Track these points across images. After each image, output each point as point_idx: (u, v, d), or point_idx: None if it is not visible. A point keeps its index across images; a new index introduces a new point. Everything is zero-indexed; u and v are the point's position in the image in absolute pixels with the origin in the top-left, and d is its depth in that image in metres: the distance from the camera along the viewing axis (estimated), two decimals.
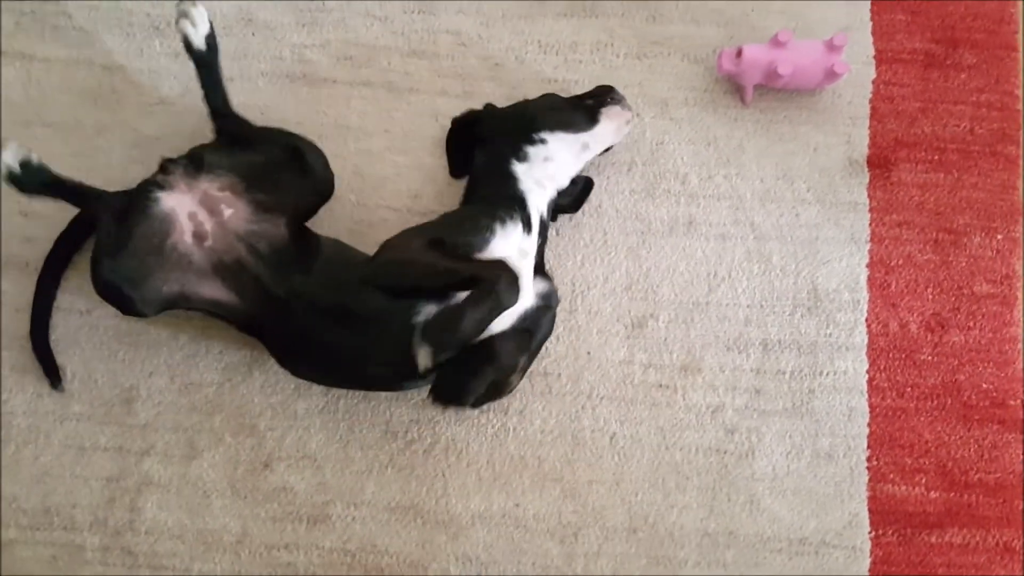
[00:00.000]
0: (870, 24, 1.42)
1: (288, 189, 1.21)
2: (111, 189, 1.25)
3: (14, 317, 1.32)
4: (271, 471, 1.28)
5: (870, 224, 1.35)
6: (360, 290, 1.14)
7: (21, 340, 1.31)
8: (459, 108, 1.37)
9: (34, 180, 1.17)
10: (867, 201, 1.36)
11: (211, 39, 1.25)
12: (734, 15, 1.43)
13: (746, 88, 1.35)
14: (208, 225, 1.17)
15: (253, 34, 1.42)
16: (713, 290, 1.33)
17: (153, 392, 1.30)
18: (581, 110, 1.27)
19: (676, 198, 1.36)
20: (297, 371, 1.26)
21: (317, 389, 1.30)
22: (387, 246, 1.19)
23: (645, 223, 1.35)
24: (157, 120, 1.39)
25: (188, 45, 1.24)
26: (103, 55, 1.41)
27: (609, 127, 1.27)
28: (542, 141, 1.24)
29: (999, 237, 1.34)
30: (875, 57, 1.41)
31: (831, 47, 1.31)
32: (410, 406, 1.30)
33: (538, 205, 1.23)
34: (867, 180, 1.36)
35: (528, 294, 1.16)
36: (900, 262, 1.34)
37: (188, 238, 1.16)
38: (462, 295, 1.07)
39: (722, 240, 1.34)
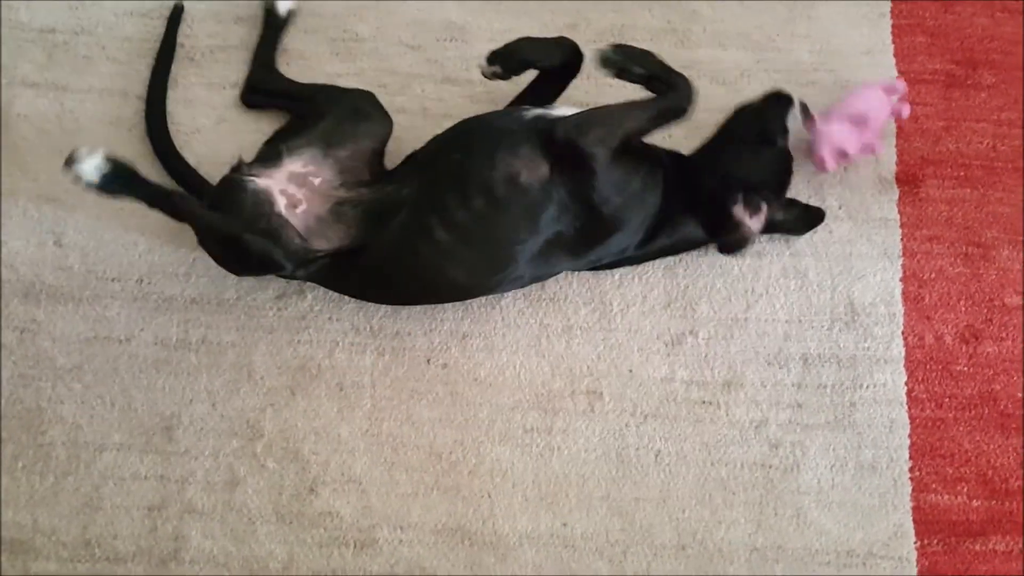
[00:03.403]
0: (892, 47, 1.51)
1: (358, 137, 1.30)
2: (149, 220, 1.31)
3: (49, 347, 1.35)
4: (316, 496, 1.31)
5: (902, 239, 1.42)
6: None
7: (58, 370, 1.34)
8: None
9: (121, 178, 1.22)
10: (898, 217, 1.43)
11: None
12: (760, 40, 1.51)
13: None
14: (300, 194, 1.23)
15: (288, 64, 1.48)
16: (751, 306, 1.39)
17: (194, 419, 1.34)
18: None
19: None
20: (394, 293, 1.34)
21: (360, 412, 1.34)
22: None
23: None
24: (193, 149, 1.44)
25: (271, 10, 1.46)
26: (137, 85, 1.47)
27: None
28: None
29: None
30: (898, 79, 1.49)
31: (890, 91, 1.39)
32: (454, 427, 1.34)
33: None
34: (896, 196, 1.44)
35: None
36: (932, 276, 1.41)
37: (282, 209, 1.21)
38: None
39: (758, 257, 1.41)
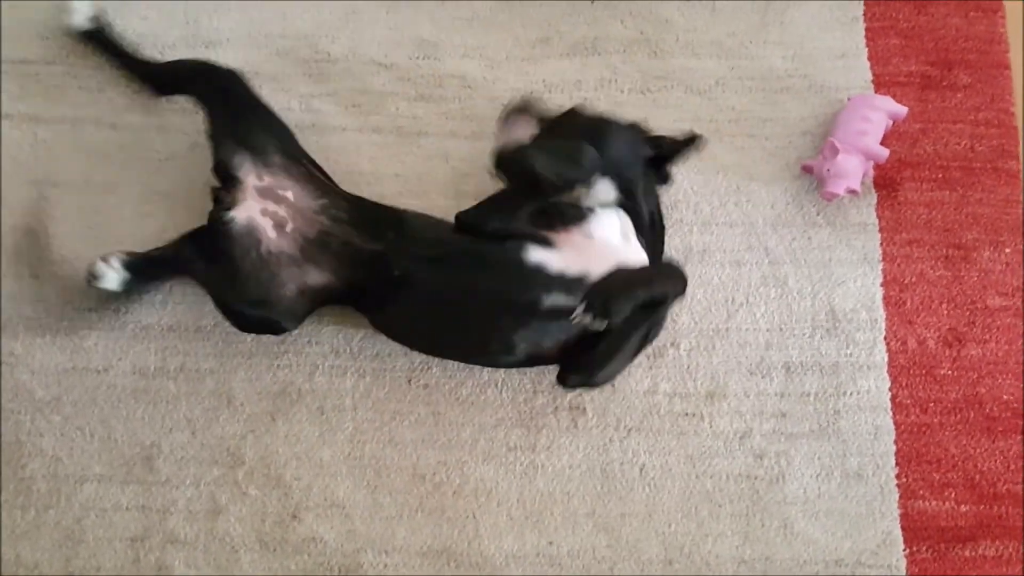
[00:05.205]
0: (866, 50, 1.52)
1: (264, 145, 1.32)
2: (125, 246, 1.32)
3: (27, 380, 1.36)
4: (299, 522, 1.32)
5: (881, 244, 1.43)
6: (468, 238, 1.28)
7: (36, 403, 1.35)
8: (469, 150, 1.46)
9: (142, 273, 1.32)
10: (876, 221, 1.44)
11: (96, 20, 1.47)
12: (733, 47, 1.53)
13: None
14: (281, 210, 1.27)
15: (261, 86, 1.48)
16: (732, 316, 1.40)
17: (174, 448, 1.35)
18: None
19: (689, 227, 1.44)
20: (399, 334, 1.35)
21: (342, 435, 1.35)
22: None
23: None
24: (167, 176, 1.45)
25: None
26: (110, 113, 1.48)
27: None
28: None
29: (1007, 251, 1.43)
30: (873, 82, 1.51)
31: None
32: (437, 448, 1.35)
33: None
34: (875, 201, 1.45)
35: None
36: (913, 279, 1.42)
37: (273, 233, 1.26)
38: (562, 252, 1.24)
39: (737, 266, 1.42)
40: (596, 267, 1.22)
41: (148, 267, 1.33)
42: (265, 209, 1.27)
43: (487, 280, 1.24)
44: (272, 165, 1.30)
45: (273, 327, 1.30)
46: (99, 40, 1.47)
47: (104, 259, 1.28)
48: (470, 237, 1.28)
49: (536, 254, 1.23)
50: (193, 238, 1.32)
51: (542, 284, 1.22)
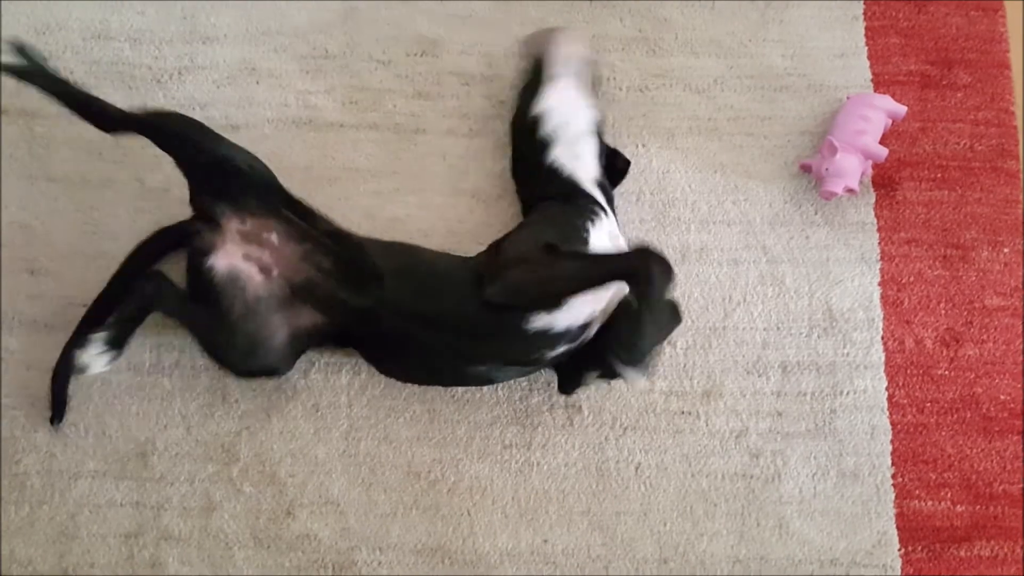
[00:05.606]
0: (865, 49, 1.52)
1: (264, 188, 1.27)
2: (121, 243, 1.34)
3: (24, 375, 1.36)
4: (294, 519, 1.32)
5: (879, 243, 1.43)
6: (467, 299, 1.20)
7: (32, 399, 1.35)
8: (467, 147, 1.46)
9: (123, 340, 1.24)
10: (875, 220, 1.44)
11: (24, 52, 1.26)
12: (732, 46, 1.53)
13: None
14: (265, 255, 1.23)
15: (257, 82, 1.49)
16: (729, 315, 1.40)
17: (169, 444, 1.35)
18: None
19: (687, 225, 1.44)
20: (397, 376, 1.35)
21: (337, 432, 1.35)
22: (499, 262, 1.21)
23: None
24: (162, 172, 1.44)
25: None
26: None
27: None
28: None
29: (1006, 250, 1.43)
30: (872, 80, 1.51)
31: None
32: (432, 445, 1.35)
33: (595, 188, 1.33)
34: (873, 200, 1.45)
35: None
36: (911, 279, 1.41)
37: (259, 276, 1.22)
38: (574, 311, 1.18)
39: (735, 265, 1.42)
40: (602, 297, 1.20)
41: (129, 330, 1.24)
42: (248, 254, 1.23)
43: (488, 345, 1.23)
44: (254, 209, 1.24)
45: (270, 374, 1.28)
46: (31, 75, 1.26)
47: (81, 347, 1.20)
48: (462, 295, 1.21)
49: (540, 320, 1.18)
50: (170, 288, 1.26)
51: (548, 345, 1.21)
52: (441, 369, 1.29)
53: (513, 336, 1.19)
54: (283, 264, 1.23)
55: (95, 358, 1.20)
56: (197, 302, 1.24)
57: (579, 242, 1.22)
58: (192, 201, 1.27)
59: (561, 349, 1.21)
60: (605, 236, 1.26)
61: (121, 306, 1.25)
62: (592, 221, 1.25)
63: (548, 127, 1.33)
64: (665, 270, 1.11)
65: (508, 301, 1.17)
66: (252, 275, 1.22)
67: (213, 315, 1.22)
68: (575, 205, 1.29)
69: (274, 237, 1.24)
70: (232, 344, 1.22)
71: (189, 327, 1.27)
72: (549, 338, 1.20)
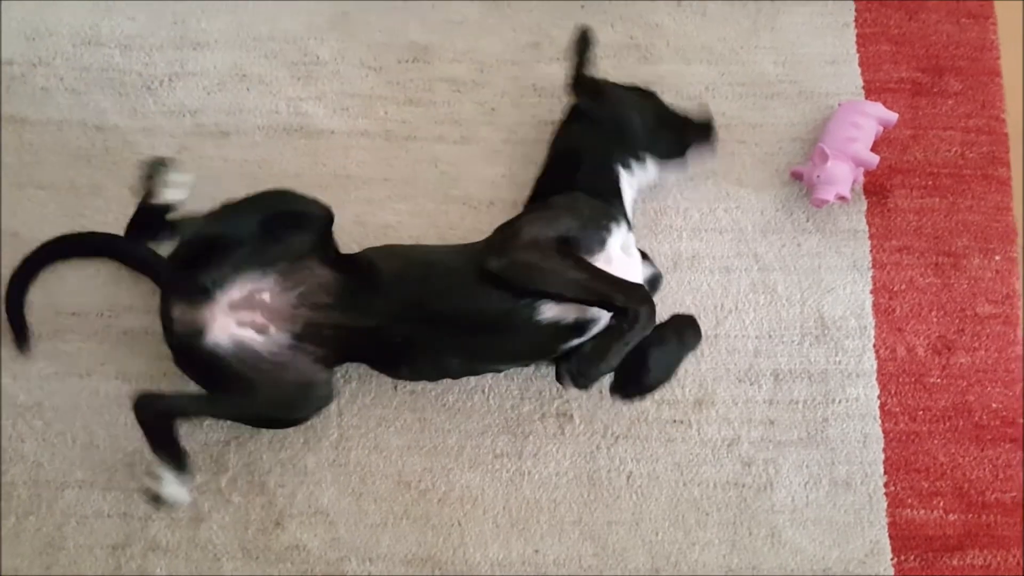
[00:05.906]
0: (857, 56, 1.52)
1: (292, 238, 1.24)
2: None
3: (12, 384, 1.35)
4: (283, 530, 1.31)
5: (871, 251, 1.43)
6: (475, 291, 1.21)
7: (18, 408, 1.34)
8: (458, 153, 1.46)
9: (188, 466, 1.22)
10: (866, 228, 1.44)
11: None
12: (723, 52, 1.53)
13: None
14: (258, 316, 1.21)
15: (248, 89, 1.49)
16: (721, 323, 1.39)
17: None
18: (677, 143, 1.38)
19: (678, 233, 1.44)
20: (406, 377, 1.35)
21: (326, 442, 1.34)
22: (512, 238, 1.22)
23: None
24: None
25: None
26: (96, 115, 1.48)
27: (689, 167, 1.41)
28: (643, 160, 1.36)
29: (997, 258, 1.43)
30: (864, 88, 1.51)
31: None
32: (423, 454, 1.34)
33: (630, 205, 1.34)
34: (865, 207, 1.45)
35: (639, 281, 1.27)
36: (903, 287, 1.41)
37: (259, 337, 1.21)
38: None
39: (726, 273, 1.42)
40: None
41: (177, 453, 1.20)
42: (241, 320, 1.21)
43: (497, 338, 1.23)
44: (245, 275, 1.21)
45: (321, 408, 1.26)
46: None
47: (154, 476, 1.18)
48: (468, 292, 1.21)
49: (550, 311, 1.20)
50: (177, 400, 1.25)
51: (562, 338, 1.22)
52: (454, 368, 1.29)
53: (524, 328, 1.20)
54: (278, 320, 1.21)
55: (177, 489, 1.19)
56: (215, 389, 1.22)
57: (596, 242, 1.23)
58: (168, 285, 1.24)
59: (571, 342, 1.23)
60: (619, 246, 1.26)
61: (150, 445, 1.20)
62: (615, 227, 1.26)
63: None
64: (651, 320, 1.17)
65: (503, 276, 1.18)
66: (253, 338, 1.21)
67: (242, 388, 1.20)
68: (606, 206, 1.28)
69: (267, 296, 1.22)
70: (279, 402, 1.22)
71: (226, 415, 1.27)
72: (562, 331, 1.21)
